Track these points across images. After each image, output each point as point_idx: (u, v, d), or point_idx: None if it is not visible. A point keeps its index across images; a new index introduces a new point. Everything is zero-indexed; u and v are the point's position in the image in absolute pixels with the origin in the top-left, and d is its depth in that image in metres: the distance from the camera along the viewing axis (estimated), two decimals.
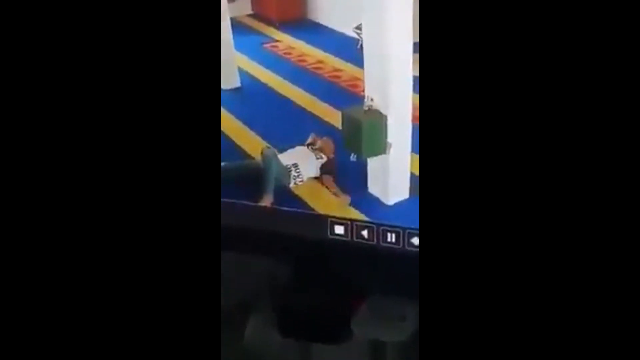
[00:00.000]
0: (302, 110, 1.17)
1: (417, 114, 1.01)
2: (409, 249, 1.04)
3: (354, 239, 1.07)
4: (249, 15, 1.21)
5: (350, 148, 1.09)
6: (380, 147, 1.07)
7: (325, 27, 1.20)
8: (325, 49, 1.22)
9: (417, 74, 1.00)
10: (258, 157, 1.15)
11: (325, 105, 1.16)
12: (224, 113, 1.11)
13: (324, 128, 1.14)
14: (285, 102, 1.19)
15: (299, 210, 1.11)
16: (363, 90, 1.06)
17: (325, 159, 1.15)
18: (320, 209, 1.10)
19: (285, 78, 1.21)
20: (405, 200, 1.07)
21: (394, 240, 1.05)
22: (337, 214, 1.08)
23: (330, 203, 1.11)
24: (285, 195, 1.14)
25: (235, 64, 1.18)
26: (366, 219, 1.07)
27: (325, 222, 1.09)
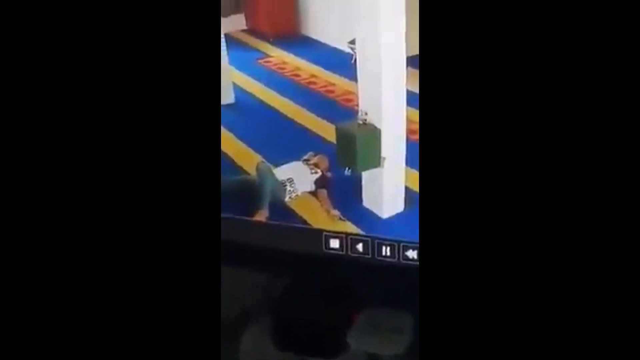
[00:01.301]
0: (296, 125, 1.18)
1: (412, 127, 1.02)
2: (405, 262, 1.04)
3: (349, 252, 1.08)
4: (243, 31, 1.22)
5: (345, 162, 1.10)
6: (374, 160, 1.07)
7: (319, 42, 1.21)
8: (319, 64, 1.22)
9: (411, 88, 1.00)
10: (253, 172, 1.15)
11: (320, 119, 1.17)
12: None
13: (318, 142, 1.15)
14: (279, 117, 1.19)
15: (294, 225, 1.11)
16: (357, 105, 1.07)
17: (320, 173, 1.15)
18: (316, 223, 1.10)
19: (279, 93, 1.22)
20: (400, 213, 1.08)
21: (389, 253, 1.05)
22: (332, 228, 1.08)
23: (325, 217, 1.11)
24: (280, 209, 1.14)
25: (229, 80, 1.18)
26: (361, 232, 1.07)
27: (320, 236, 1.09)
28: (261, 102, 1.21)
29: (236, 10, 1.18)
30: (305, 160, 1.16)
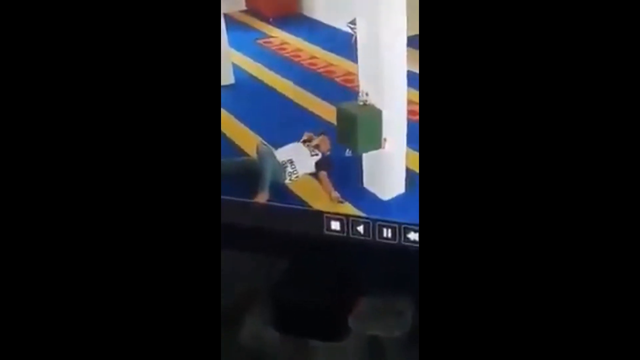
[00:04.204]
0: (297, 106, 1.17)
1: (413, 108, 1.01)
2: (406, 244, 1.04)
3: (350, 234, 1.07)
4: (242, 11, 1.21)
5: (346, 143, 1.09)
6: (375, 141, 1.07)
7: (319, 22, 1.20)
8: (320, 44, 1.21)
9: (412, 68, 1.00)
10: (253, 153, 1.14)
11: (320, 100, 1.16)
12: None
13: (318, 123, 1.14)
14: (279, 98, 1.18)
15: (295, 207, 1.11)
16: (358, 85, 1.06)
17: (320, 155, 1.14)
18: (316, 205, 1.10)
19: (279, 74, 1.21)
20: (401, 195, 1.07)
21: (390, 235, 1.05)
22: (333, 210, 1.08)
23: (326, 199, 1.11)
24: (280, 191, 1.13)
25: (229, 60, 1.17)
26: (362, 214, 1.07)
27: (320, 218, 1.08)
28: (261, 83, 1.20)
29: None
30: (306, 141, 1.15)
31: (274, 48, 1.22)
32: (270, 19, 1.23)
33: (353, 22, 1.06)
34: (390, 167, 1.08)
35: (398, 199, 1.07)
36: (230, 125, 1.14)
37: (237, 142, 1.15)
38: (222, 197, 1.02)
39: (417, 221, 0.99)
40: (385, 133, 1.06)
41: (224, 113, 1.11)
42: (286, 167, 1.14)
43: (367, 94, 1.05)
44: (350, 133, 1.07)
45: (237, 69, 1.19)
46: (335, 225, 1.08)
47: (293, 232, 1.10)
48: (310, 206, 1.10)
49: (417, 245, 1.02)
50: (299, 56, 1.22)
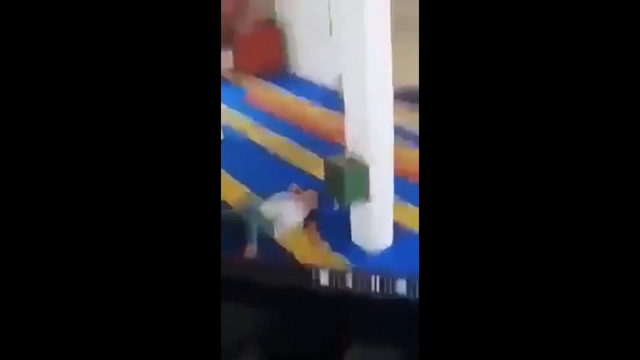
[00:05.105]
0: (284, 160, 1.18)
1: (399, 164, 1.02)
2: (394, 296, 1.04)
3: (338, 287, 1.07)
4: (230, 69, 1.23)
5: (333, 195, 1.10)
6: (362, 194, 1.08)
7: (306, 79, 1.22)
8: (307, 100, 1.23)
9: (398, 123, 1.01)
10: (242, 208, 1.15)
11: (308, 154, 1.17)
12: None
13: (306, 177, 1.15)
14: (268, 153, 1.20)
15: (283, 261, 1.11)
16: (345, 140, 1.07)
17: (308, 209, 1.15)
18: (305, 258, 1.10)
19: (267, 129, 1.22)
20: (389, 247, 1.08)
21: (378, 287, 1.05)
22: (321, 263, 1.08)
23: (314, 252, 1.11)
24: (269, 245, 1.14)
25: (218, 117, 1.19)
26: (350, 267, 1.07)
27: (309, 271, 1.08)
28: (249, 139, 1.22)
29: (223, 47, 1.19)
30: (293, 192, 1.16)
31: (261, 104, 1.24)
32: (258, 76, 1.25)
33: (339, 79, 1.08)
34: (378, 221, 1.09)
35: (386, 252, 1.08)
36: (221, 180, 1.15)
37: (226, 198, 1.16)
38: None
39: (404, 273, 1.00)
40: (372, 188, 1.07)
41: None
42: (274, 221, 1.15)
43: (354, 148, 1.07)
44: (337, 186, 1.09)
45: (226, 126, 1.20)
46: (323, 278, 1.08)
47: (282, 285, 1.10)
48: (299, 259, 1.10)
49: (405, 296, 1.02)
50: (287, 112, 1.23)
